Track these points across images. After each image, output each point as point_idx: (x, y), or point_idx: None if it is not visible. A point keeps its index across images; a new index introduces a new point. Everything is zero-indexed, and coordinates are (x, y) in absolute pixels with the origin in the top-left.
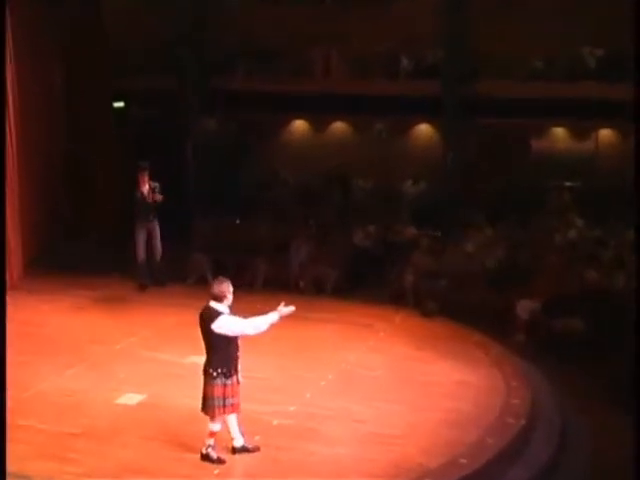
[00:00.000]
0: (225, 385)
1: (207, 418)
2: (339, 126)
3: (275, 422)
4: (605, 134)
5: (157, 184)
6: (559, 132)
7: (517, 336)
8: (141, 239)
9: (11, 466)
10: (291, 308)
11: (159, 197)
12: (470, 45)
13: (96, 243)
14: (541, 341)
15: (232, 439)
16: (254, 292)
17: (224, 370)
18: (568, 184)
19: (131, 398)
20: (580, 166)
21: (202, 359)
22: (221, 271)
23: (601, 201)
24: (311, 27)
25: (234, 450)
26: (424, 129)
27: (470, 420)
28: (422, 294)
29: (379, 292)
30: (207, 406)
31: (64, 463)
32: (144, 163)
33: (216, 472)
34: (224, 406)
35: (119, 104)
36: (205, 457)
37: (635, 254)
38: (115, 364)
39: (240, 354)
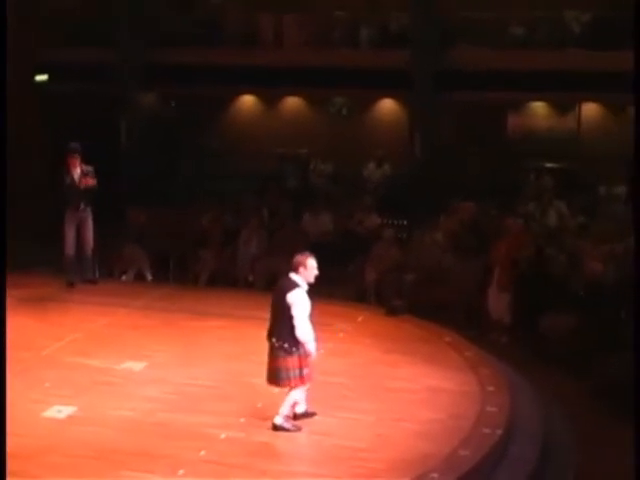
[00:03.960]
0: (300, 356)
1: (149, 429)
2: (293, 101)
3: (223, 435)
4: (588, 109)
5: (90, 168)
6: (538, 107)
7: (493, 336)
8: (70, 231)
9: None
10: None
11: (92, 182)
12: (440, 10)
13: (18, 236)
14: (523, 341)
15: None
16: (198, 289)
17: (291, 342)
18: (549, 165)
19: (60, 411)
20: (561, 145)
21: (138, 365)
22: (161, 265)
23: (584, 184)
24: None
25: (295, 416)
26: (389, 104)
27: (443, 431)
28: (387, 290)
29: (339, 288)
30: (280, 378)
31: None
32: (75, 144)
33: None
34: (301, 376)
35: (42, 77)
36: (279, 428)
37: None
38: (41, 372)
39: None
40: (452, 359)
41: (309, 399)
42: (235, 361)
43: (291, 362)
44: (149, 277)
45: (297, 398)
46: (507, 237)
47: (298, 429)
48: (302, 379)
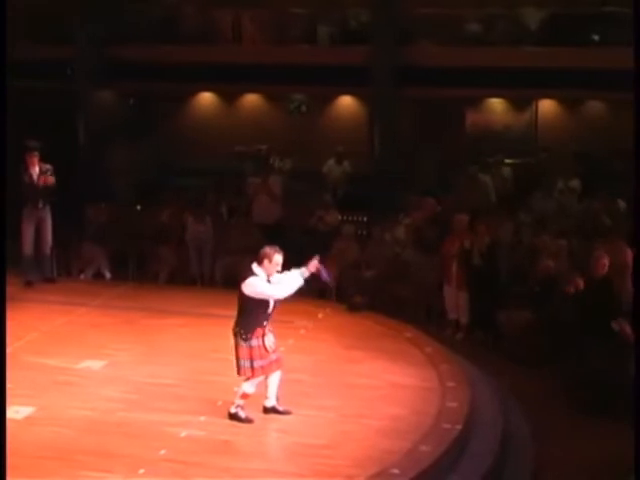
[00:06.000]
0: (251, 347)
1: (109, 429)
2: (252, 99)
3: (183, 434)
4: (545, 105)
5: (49, 166)
6: (495, 103)
7: (450, 332)
8: (28, 230)
9: None
10: (314, 263)
11: (51, 180)
12: (398, 7)
13: None
14: (481, 337)
15: (266, 398)
16: (158, 287)
17: (242, 332)
18: (507, 161)
19: (17, 411)
20: (519, 141)
21: (97, 363)
22: (119, 263)
23: (542, 179)
24: None
25: (265, 409)
26: (348, 101)
27: (404, 426)
28: (347, 287)
29: None
30: (238, 366)
31: None
32: (34, 143)
33: None
34: (252, 368)
35: None
36: (233, 416)
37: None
38: None
39: (269, 324)
40: (413, 355)
41: (281, 397)
42: (195, 359)
43: (242, 352)
44: (108, 275)
45: (247, 390)
46: (457, 233)
47: (249, 421)
48: (253, 371)
